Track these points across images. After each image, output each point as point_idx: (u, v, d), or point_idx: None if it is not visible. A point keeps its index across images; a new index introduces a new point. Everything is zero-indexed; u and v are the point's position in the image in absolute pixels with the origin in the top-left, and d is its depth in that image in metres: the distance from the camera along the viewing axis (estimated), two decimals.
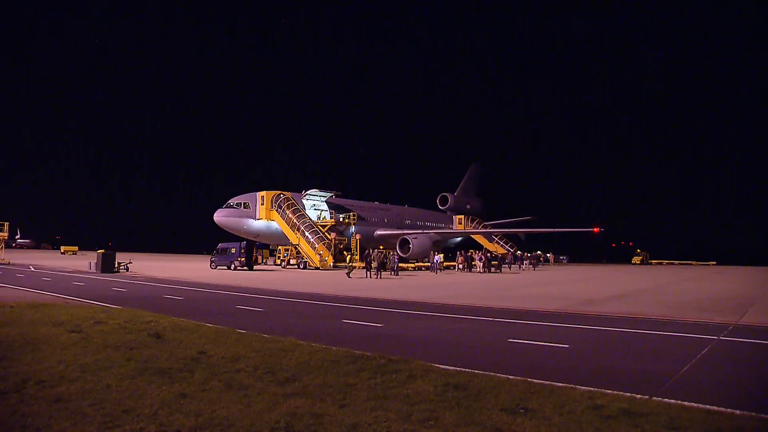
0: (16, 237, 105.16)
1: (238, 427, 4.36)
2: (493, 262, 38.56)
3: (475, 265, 37.86)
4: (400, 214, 55.30)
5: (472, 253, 39.78)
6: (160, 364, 6.52)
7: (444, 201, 62.58)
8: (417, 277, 30.20)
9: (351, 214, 45.12)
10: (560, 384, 5.83)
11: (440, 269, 36.76)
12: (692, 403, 5.16)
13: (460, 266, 38.32)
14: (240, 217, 40.49)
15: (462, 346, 8.67)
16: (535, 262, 47.21)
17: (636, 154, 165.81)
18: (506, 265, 44.37)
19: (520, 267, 45.71)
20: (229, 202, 41.33)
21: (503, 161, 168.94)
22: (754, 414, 4.87)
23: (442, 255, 38.86)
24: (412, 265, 39.96)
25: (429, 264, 38.02)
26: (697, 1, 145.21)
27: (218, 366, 6.46)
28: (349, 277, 27.15)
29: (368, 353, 7.26)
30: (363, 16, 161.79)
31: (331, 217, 43.51)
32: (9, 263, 38.69)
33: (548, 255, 60.33)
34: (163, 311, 12.13)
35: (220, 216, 40.57)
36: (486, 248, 54.18)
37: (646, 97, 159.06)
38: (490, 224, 63.37)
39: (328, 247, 36.40)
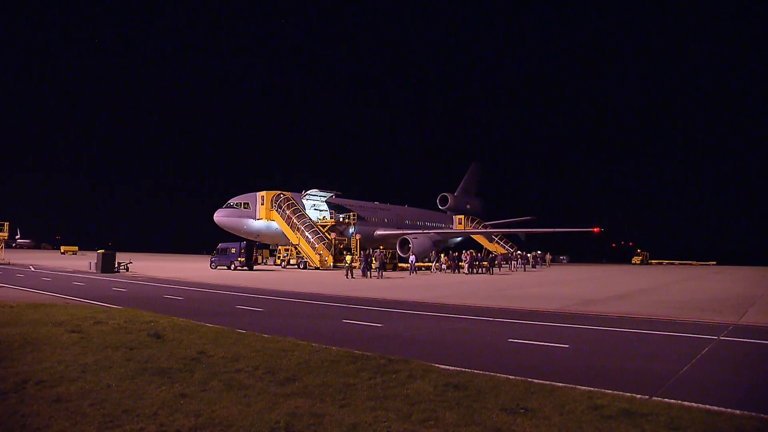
0: (16, 237, 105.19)
1: (238, 427, 4.36)
2: (483, 263, 35.54)
3: (461, 266, 35.06)
4: (400, 214, 55.30)
5: (472, 252, 38.53)
6: (160, 364, 6.52)
7: (444, 201, 62.60)
8: (415, 277, 30.20)
9: (351, 214, 45.14)
10: (560, 384, 5.83)
11: (416, 270, 34.13)
12: (692, 403, 5.16)
13: (444, 266, 35.88)
14: (240, 217, 40.50)
15: (462, 346, 8.67)
16: (524, 263, 44.09)
17: (636, 154, 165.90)
18: (496, 266, 40.75)
19: (510, 268, 42.67)
20: (229, 202, 41.33)
21: (503, 161, 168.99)
22: (754, 414, 4.87)
23: (414, 256, 35.96)
24: (406, 265, 39.91)
25: (429, 264, 37.28)
26: (697, 1, 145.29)
27: (218, 366, 6.46)
28: (352, 277, 27.19)
29: (368, 353, 7.26)
30: (363, 15, 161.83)
31: (331, 217, 43.52)
32: (9, 263, 38.69)
33: (545, 255, 58.33)
34: (163, 311, 12.13)
35: (220, 216, 40.57)
36: (486, 248, 54.22)
37: (647, 97, 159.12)
38: (490, 224, 63.39)
39: (328, 247, 36.40)
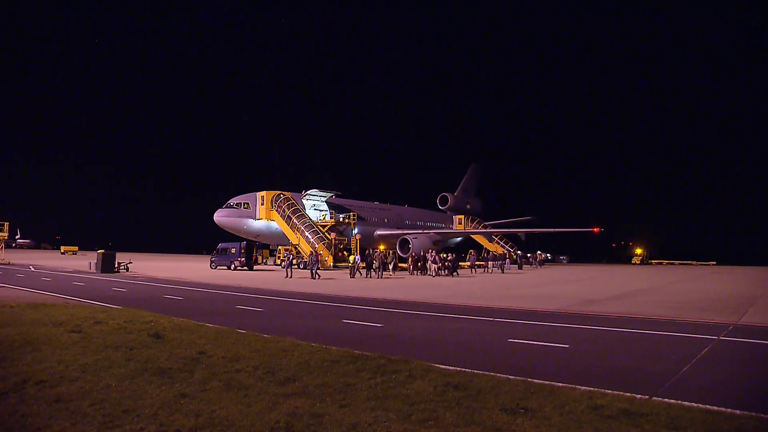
0: (16, 237, 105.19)
1: (238, 427, 4.37)
2: (446, 263, 31.46)
3: (428, 267, 31.91)
4: (400, 214, 55.29)
5: (471, 253, 36.97)
6: (160, 364, 6.52)
7: (444, 201, 62.62)
8: (413, 277, 30.19)
9: (351, 214, 45.09)
10: (560, 384, 5.83)
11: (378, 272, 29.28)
12: (692, 403, 5.16)
13: (410, 268, 33.10)
14: (240, 217, 40.50)
15: (462, 346, 8.67)
16: (502, 263, 39.78)
17: (636, 154, 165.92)
18: (467, 268, 37.90)
19: (486, 269, 38.89)
20: (229, 202, 41.34)
21: (503, 161, 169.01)
22: (754, 414, 4.87)
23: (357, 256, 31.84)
24: (406, 265, 39.84)
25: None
26: (697, 1, 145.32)
27: (218, 366, 6.46)
28: (353, 276, 27.25)
29: (368, 353, 7.26)
30: (363, 15, 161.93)
31: (331, 217, 43.50)
32: (9, 263, 38.68)
33: (537, 254, 54.43)
34: (163, 311, 12.13)
35: (220, 216, 40.59)
36: (486, 248, 54.21)
37: (647, 96, 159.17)
38: (490, 224, 63.38)
39: (328, 247, 36.39)
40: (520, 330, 10.41)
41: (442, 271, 31.16)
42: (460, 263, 34.61)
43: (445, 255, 33.70)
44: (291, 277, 26.26)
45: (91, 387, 5.45)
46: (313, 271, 26.35)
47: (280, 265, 40.07)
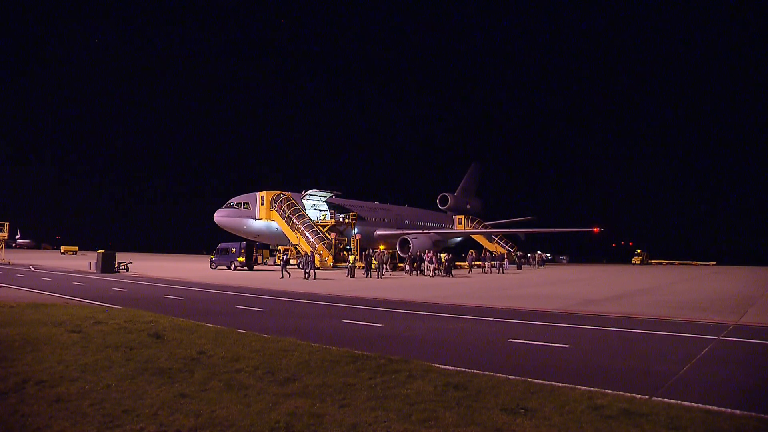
0: (16, 237, 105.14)
1: (238, 427, 4.37)
2: (443, 264, 30.58)
3: (424, 267, 31.33)
4: (400, 214, 55.25)
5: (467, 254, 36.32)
6: (160, 364, 6.52)
7: (444, 201, 62.57)
8: (413, 277, 30.17)
9: (351, 214, 45.07)
10: (560, 384, 5.82)
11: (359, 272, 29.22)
12: (692, 403, 5.16)
13: (407, 268, 32.50)
14: (240, 217, 40.50)
15: (462, 346, 8.67)
16: (501, 263, 38.39)
17: (636, 154, 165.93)
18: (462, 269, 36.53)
19: (483, 269, 37.87)
20: (229, 202, 41.33)
21: (503, 161, 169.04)
22: (754, 414, 4.87)
23: (353, 256, 30.83)
24: (404, 264, 39.74)
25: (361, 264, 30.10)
26: (697, 1, 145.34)
27: (218, 366, 6.46)
28: (352, 276, 27.23)
29: (368, 353, 7.26)
30: (364, 15, 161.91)
31: (331, 217, 43.49)
32: (9, 263, 38.68)
33: (539, 255, 53.78)
34: (163, 311, 12.13)
35: (220, 216, 40.58)
36: (486, 248, 54.17)
37: (646, 96, 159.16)
38: (490, 224, 63.34)
39: (328, 247, 36.39)
40: (520, 330, 10.41)
41: (439, 272, 30.79)
42: (457, 263, 34.28)
43: (445, 256, 33.54)
44: (290, 276, 26.18)
45: (91, 387, 5.45)
46: (307, 271, 25.95)
47: (280, 265, 40.15)
